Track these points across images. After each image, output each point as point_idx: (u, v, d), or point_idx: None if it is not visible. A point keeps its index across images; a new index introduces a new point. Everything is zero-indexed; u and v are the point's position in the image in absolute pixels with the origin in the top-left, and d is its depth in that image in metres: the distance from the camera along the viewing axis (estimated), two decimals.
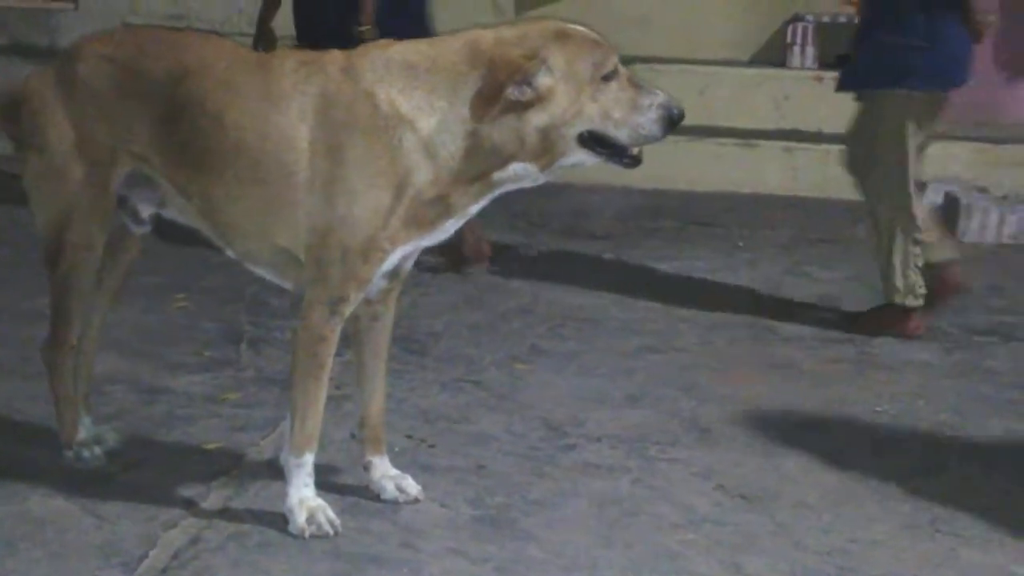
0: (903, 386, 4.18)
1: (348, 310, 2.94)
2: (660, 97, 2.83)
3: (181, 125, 2.99)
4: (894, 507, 3.28)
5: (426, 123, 2.84)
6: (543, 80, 2.78)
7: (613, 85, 2.82)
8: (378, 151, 2.83)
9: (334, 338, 2.93)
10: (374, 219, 2.84)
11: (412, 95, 2.84)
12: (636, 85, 2.85)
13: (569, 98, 2.79)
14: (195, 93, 2.97)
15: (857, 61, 4.80)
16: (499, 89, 2.75)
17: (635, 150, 2.86)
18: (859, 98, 4.85)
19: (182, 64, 3.00)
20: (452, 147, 2.84)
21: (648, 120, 2.82)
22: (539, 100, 2.78)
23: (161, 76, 3.01)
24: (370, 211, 2.84)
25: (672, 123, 2.83)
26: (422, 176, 2.86)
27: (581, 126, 2.81)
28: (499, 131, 2.82)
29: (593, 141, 2.83)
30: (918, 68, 4.52)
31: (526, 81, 2.77)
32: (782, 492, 3.34)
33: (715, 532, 3.11)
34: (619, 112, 2.81)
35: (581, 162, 2.88)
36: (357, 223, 2.84)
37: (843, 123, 7.31)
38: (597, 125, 2.81)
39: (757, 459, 3.56)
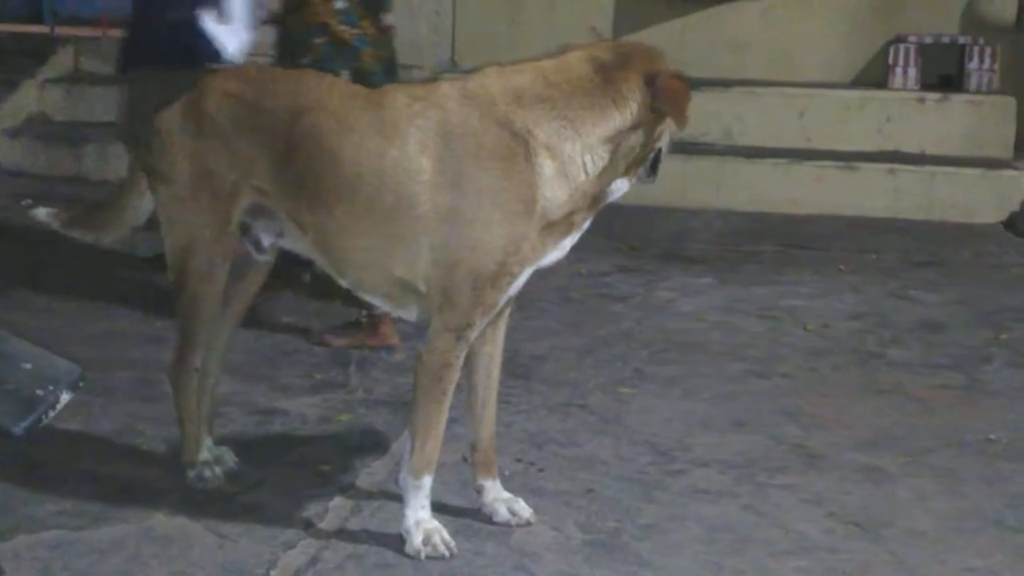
0: (1017, 413, 4.12)
1: (474, 335, 3.00)
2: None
3: (297, 161, 3.07)
4: (1009, 537, 3.24)
5: (570, 147, 2.93)
6: None
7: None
8: (513, 178, 2.91)
9: (459, 364, 2.99)
10: (508, 246, 2.91)
11: (550, 123, 2.93)
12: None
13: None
14: (310, 130, 3.05)
15: None
16: (688, 96, 2.93)
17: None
18: None
19: (299, 102, 3.09)
20: (591, 168, 2.95)
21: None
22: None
23: (280, 113, 3.10)
24: (505, 238, 2.91)
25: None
26: (558, 199, 2.94)
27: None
28: (633, 141, 2.97)
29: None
30: None
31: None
32: (895, 520, 3.32)
33: (828, 560, 3.10)
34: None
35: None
36: (491, 252, 2.91)
37: (947, 144, 7.27)
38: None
39: (868, 486, 3.54)
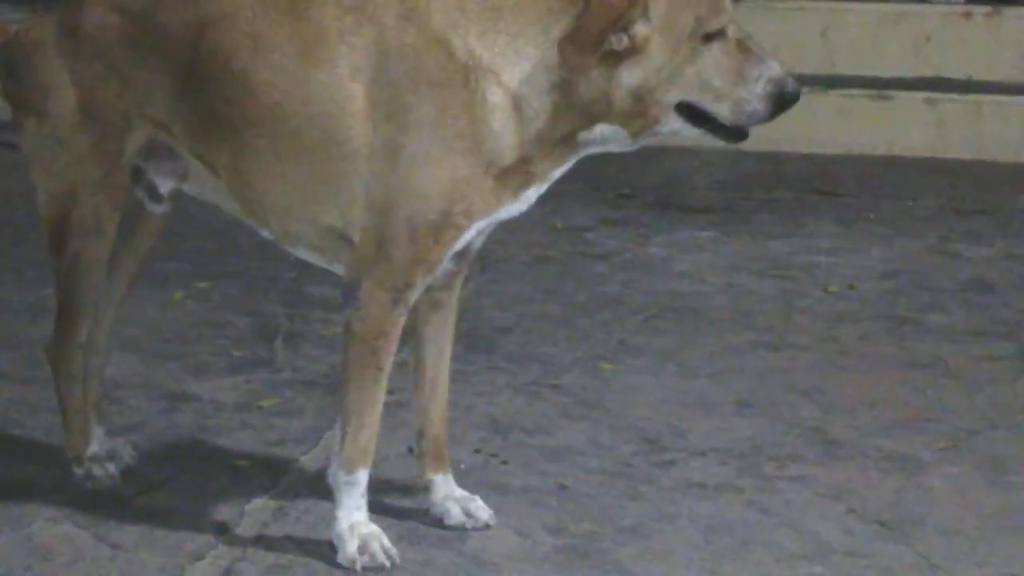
0: None
1: (413, 299, 2.99)
2: (773, 68, 2.85)
3: (204, 87, 3.04)
4: None
5: (512, 73, 2.87)
6: (640, 28, 2.80)
7: (716, 48, 2.84)
8: (455, 109, 2.87)
9: (396, 333, 2.97)
10: (450, 190, 2.89)
11: (496, 40, 2.87)
12: (746, 50, 2.86)
13: (664, 55, 2.82)
14: (218, 48, 3.02)
15: None
16: (600, 34, 2.78)
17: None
18: None
19: (202, 13, 3.05)
20: (538, 102, 2.88)
21: (754, 95, 2.84)
22: (633, 52, 2.80)
23: (180, 28, 3.07)
24: (445, 181, 2.88)
25: (784, 102, 2.85)
26: (506, 137, 2.90)
27: (678, 93, 2.84)
28: (586, 85, 2.84)
29: (691, 112, 2.86)
30: None
31: (624, 28, 2.79)
32: (928, 517, 3.33)
33: (847, 565, 3.10)
34: (720, 81, 2.83)
35: (677, 132, 2.93)
36: (429, 195, 2.88)
37: (998, 69, 7.27)
38: (694, 95, 2.84)
39: (897, 478, 3.54)
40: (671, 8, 2.82)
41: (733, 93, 2.84)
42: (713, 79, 2.84)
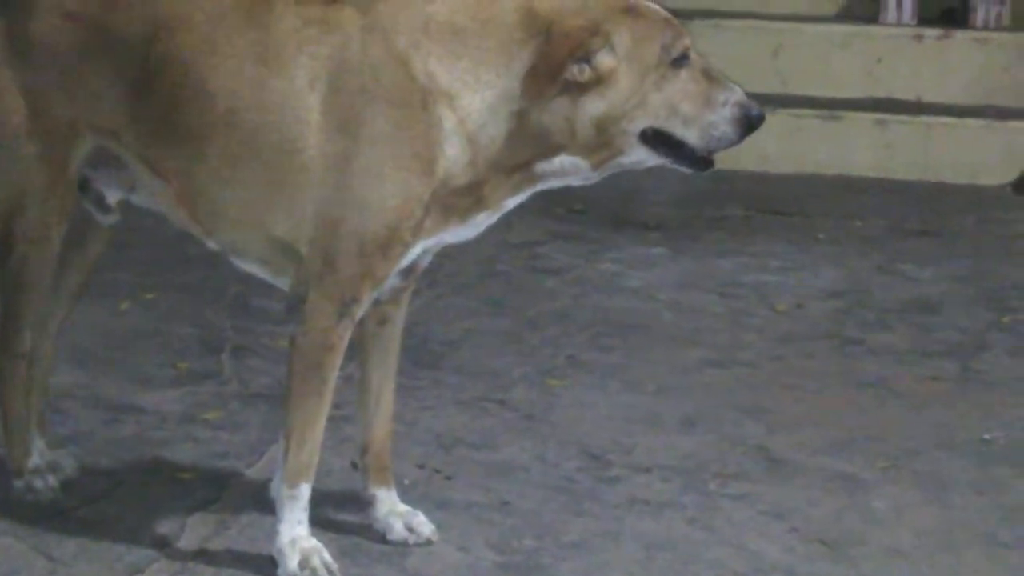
0: (1018, 408, 4.17)
1: (359, 313, 2.98)
2: (736, 93, 2.88)
3: (157, 93, 3.03)
4: (1003, 555, 3.29)
5: (470, 99, 2.88)
6: (604, 59, 2.82)
7: (683, 74, 2.87)
8: (409, 128, 2.88)
9: (341, 346, 2.97)
10: (399, 206, 2.89)
11: (455, 64, 2.88)
12: (709, 76, 2.89)
13: (631, 85, 2.84)
14: (173, 53, 3.01)
15: None
16: (559, 66, 2.80)
17: (703, 153, 2.90)
18: None
19: (158, 16, 3.04)
20: (494, 129, 2.89)
21: (722, 119, 2.86)
22: (597, 83, 2.82)
23: (134, 32, 3.05)
24: (395, 196, 2.88)
25: (751, 125, 2.88)
26: (457, 160, 2.90)
27: (644, 121, 2.86)
28: (548, 116, 2.86)
29: (657, 140, 2.88)
30: None
31: (585, 59, 2.81)
32: (869, 537, 3.35)
33: None
34: (689, 107, 2.86)
35: (641, 162, 2.93)
36: (379, 210, 2.89)
37: (947, 91, 7.34)
38: (662, 122, 2.86)
39: (839, 496, 3.57)
40: (636, 37, 2.85)
41: (701, 118, 2.86)
42: (681, 105, 2.86)
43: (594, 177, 2.98)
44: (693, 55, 2.90)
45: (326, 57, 2.93)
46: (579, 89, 2.83)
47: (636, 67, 2.84)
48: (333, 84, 2.92)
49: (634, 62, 2.84)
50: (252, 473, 3.55)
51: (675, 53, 2.87)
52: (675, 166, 2.93)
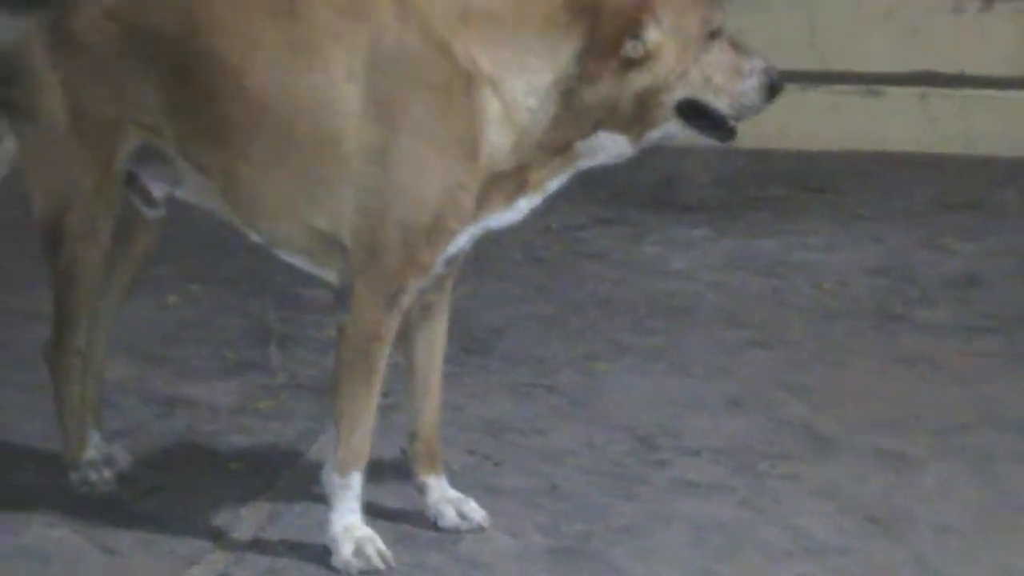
0: None
1: (407, 303, 3.01)
2: (761, 62, 2.94)
3: (195, 89, 3.06)
4: None
5: (514, 84, 2.91)
6: (652, 35, 2.86)
7: (716, 46, 2.92)
8: (451, 114, 2.90)
9: (389, 336, 3.00)
10: (443, 194, 2.91)
11: (498, 50, 2.90)
12: (736, 46, 2.94)
13: (675, 58, 2.89)
14: (210, 50, 3.04)
15: None
16: (616, 44, 2.83)
17: (732, 122, 2.95)
18: None
19: (194, 15, 3.07)
20: (540, 112, 2.91)
21: (751, 88, 2.93)
22: (645, 59, 2.86)
23: (171, 31, 3.08)
24: (438, 184, 2.91)
25: (773, 92, 2.94)
26: (501, 145, 2.93)
27: (682, 92, 2.91)
28: (594, 94, 2.89)
29: (690, 110, 2.90)
30: None
31: (637, 35, 2.84)
32: (919, 514, 3.36)
33: (839, 563, 3.13)
34: (721, 77, 2.91)
35: (672, 134, 2.97)
36: (422, 199, 2.91)
37: (987, 63, 7.28)
38: (698, 92, 2.90)
39: (888, 475, 3.57)
40: (680, 12, 2.89)
41: (732, 88, 2.92)
42: (715, 75, 2.91)
43: (629, 152, 3.00)
44: (723, 28, 2.95)
45: (362, 47, 2.95)
46: (628, 64, 2.87)
47: (680, 40, 2.90)
48: (370, 74, 2.94)
49: (678, 35, 2.90)
50: (304, 463, 3.57)
51: (712, 26, 2.91)
52: (703, 135, 2.98)
